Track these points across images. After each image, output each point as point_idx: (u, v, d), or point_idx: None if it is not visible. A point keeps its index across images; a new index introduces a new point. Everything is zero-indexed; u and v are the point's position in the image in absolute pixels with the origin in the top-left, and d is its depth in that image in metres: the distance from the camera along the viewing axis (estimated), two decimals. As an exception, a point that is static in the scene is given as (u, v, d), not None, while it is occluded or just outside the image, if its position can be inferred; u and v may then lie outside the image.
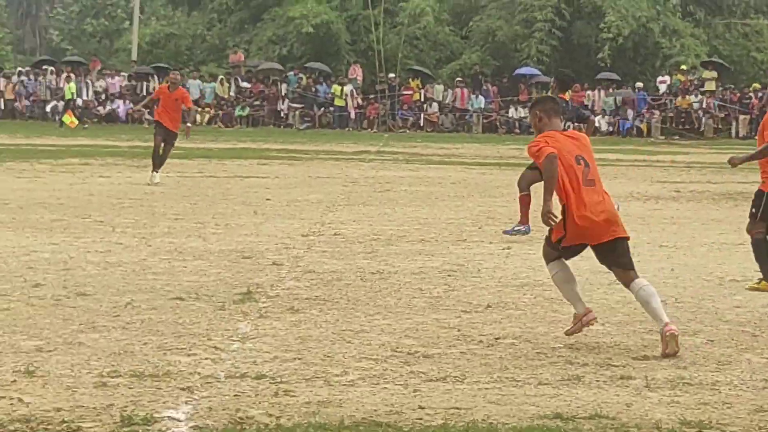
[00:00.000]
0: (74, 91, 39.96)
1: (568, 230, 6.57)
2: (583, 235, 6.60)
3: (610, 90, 40.81)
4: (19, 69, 46.77)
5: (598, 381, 5.86)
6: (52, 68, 44.18)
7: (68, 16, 67.67)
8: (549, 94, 15.88)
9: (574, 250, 6.79)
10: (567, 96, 12.99)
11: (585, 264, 9.87)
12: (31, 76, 43.91)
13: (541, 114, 6.89)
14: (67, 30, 67.89)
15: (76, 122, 37.32)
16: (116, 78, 40.63)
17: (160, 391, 5.48)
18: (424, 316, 7.47)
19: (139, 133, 32.48)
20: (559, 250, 6.71)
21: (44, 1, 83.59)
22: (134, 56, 45.77)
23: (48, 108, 42.08)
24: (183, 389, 5.53)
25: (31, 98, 43.02)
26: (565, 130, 7.39)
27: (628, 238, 6.72)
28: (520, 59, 43.53)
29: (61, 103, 41.29)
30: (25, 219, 12.48)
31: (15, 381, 5.61)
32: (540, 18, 42.86)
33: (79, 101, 42.32)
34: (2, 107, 42.46)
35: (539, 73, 41.56)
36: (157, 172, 17.55)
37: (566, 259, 6.78)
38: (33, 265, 9.22)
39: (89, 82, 43.51)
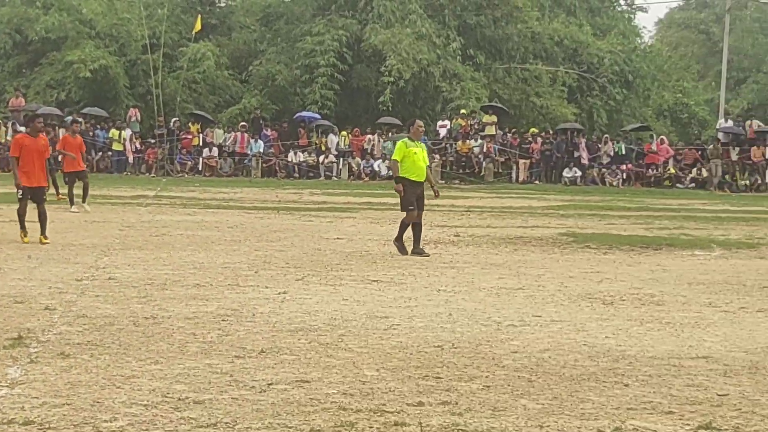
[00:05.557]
0: None
1: None
2: None
3: (390, 134, 40.86)
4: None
5: (371, 427, 5.84)
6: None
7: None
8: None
9: None
10: None
11: (361, 309, 10.01)
12: None
13: None
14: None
15: None
16: None
17: None
18: (196, 361, 7.36)
19: None
20: None
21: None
22: None
23: None
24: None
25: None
26: None
27: None
28: (301, 103, 43.71)
29: None
30: None
31: None
32: (322, 63, 43.03)
33: None
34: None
35: (319, 117, 41.87)
36: None
37: None
38: None
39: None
